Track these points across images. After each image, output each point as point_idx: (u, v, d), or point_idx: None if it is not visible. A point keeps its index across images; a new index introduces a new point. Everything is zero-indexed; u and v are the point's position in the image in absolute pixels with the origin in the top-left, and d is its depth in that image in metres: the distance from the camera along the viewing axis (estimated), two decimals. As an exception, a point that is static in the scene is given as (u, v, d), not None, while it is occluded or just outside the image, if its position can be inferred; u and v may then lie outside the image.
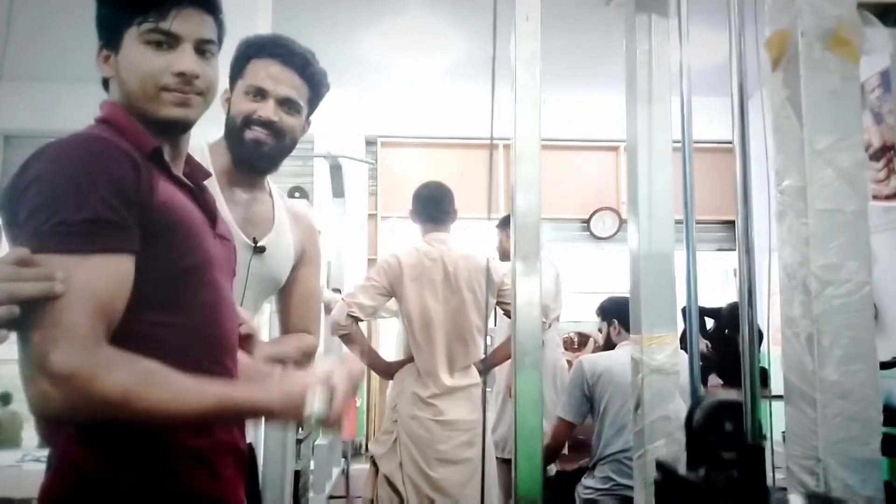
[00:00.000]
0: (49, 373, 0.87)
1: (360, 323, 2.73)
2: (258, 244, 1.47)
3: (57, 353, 0.87)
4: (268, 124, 1.45)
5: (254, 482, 1.62)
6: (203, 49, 1.09)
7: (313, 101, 1.53)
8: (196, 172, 1.16)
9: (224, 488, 1.08)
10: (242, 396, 0.99)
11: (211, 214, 1.13)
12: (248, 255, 1.45)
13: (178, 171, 1.12)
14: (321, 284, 1.65)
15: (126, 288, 0.95)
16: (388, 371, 2.85)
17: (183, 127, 1.10)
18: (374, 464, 2.75)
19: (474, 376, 2.74)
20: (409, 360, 2.75)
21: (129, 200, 0.95)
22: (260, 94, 1.46)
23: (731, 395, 1.22)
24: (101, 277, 0.91)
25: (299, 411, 0.98)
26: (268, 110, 1.45)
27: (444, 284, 2.71)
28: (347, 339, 2.74)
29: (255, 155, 1.47)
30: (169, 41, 1.05)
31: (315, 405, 0.97)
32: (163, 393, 0.92)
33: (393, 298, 2.77)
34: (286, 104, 1.47)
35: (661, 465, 1.28)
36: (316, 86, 1.52)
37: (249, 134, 1.46)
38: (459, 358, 2.71)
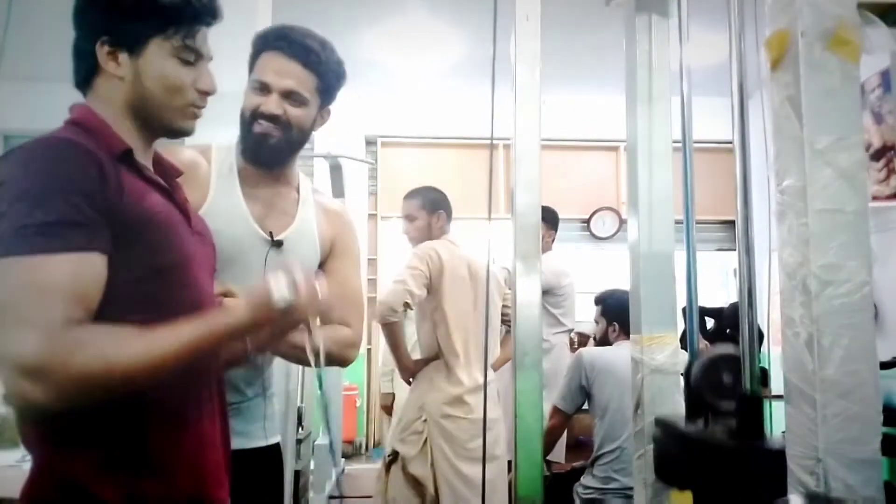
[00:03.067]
0: (22, 368, 0.86)
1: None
2: (275, 238, 1.47)
3: (25, 346, 0.87)
4: (272, 118, 1.45)
5: (277, 482, 1.60)
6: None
7: (324, 90, 1.51)
8: (167, 171, 1.17)
9: (206, 487, 1.08)
10: (214, 321, 0.99)
11: (185, 211, 1.14)
12: (266, 249, 1.45)
13: (150, 169, 1.13)
14: (360, 277, 1.66)
15: (98, 281, 0.94)
16: (413, 370, 2.82)
17: (187, 136, 1.14)
18: (387, 466, 2.73)
19: (493, 373, 2.76)
20: (432, 358, 2.74)
21: (95, 201, 0.95)
22: (264, 88, 1.45)
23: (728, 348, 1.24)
24: (68, 271, 0.91)
25: (268, 305, 0.99)
26: (271, 104, 1.44)
27: (469, 283, 2.74)
28: (392, 327, 2.71)
29: (261, 149, 1.47)
30: (194, 58, 1.10)
31: (281, 290, 0.99)
32: (138, 348, 0.92)
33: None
34: (290, 97, 1.45)
35: (660, 422, 1.28)
36: (324, 75, 1.48)
37: (257, 128, 1.45)
38: (487, 355, 2.73)
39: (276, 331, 1.09)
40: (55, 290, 0.90)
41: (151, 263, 1.01)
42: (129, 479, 0.99)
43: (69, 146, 0.98)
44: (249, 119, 1.46)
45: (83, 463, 0.97)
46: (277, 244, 1.46)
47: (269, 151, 1.47)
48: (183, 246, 1.08)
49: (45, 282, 0.89)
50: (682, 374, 1.31)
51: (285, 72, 1.45)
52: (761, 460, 1.02)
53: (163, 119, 1.10)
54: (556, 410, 2.89)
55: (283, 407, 1.61)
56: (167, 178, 1.15)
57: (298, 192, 1.57)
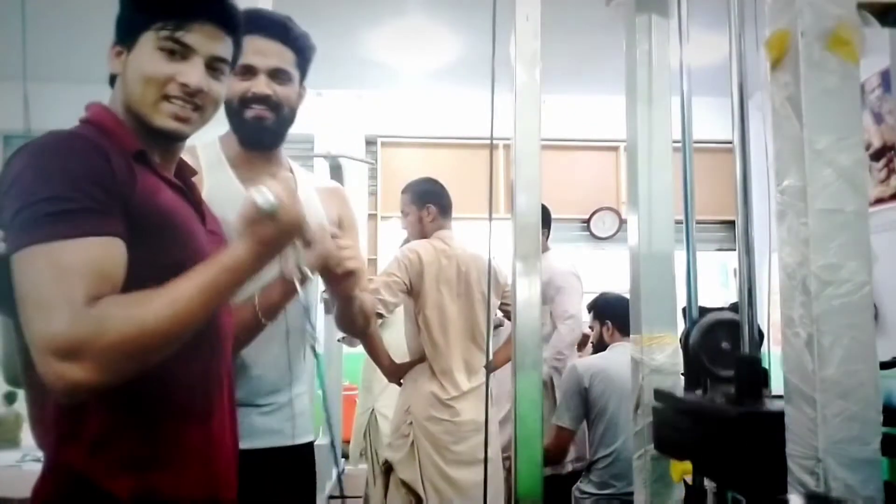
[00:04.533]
0: (56, 350, 0.87)
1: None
2: None
3: (56, 328, 0.87)
4: (264, 99, 1.46)
5: (310, 483, 1.63)
6: (214, 66, 1.10)
7: (302, 64, 1.53)
8: (182, 171, 1.17)
9: (216, 486, 1.09)
10: (218, 258, 1.00)
11: (200, 211, 1.15)
12: None
13: (169, 172, 1.13)
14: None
15: (119, 261, 0.95)
16: (397, 372, 2.80)
17: (175, 138, 1.11)
18: (385, 472, 2.71)
19: (482, 376, 2.72)
20: (418, 361, 2.73)
21: (108, 189, 0.96)
22: (250, 71, 1.45)
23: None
24: (90, 253, 0.92)
25: (258, 216, 1.00)
26: (261, 85, 1.45)
27: (456, 284, 2.69)
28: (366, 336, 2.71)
29: (258, 132, 1.48)
30: (182, 52, 1.06)
31: (262, 195, 1.01)
32: (160, 303, 0.93)
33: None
34: (277, 76, 1.47)
35: (659, 393, 1.28)
36: (301, 49, 1.51)
37: (249, 113, 1.46)
38: (473, 358, 2.70)
39: (274, 249, 1.08)
40: (76, 271, 0.90)
41: (167, 259, 1.02)
42: (142, 476, 0.99)
43: (82, 141, 0.99)
44: (239, 106, 1.47)
45: (96, 460, 0.97)
46: None
47: (265, 133, 1.49)
48: (197, 244, 1.08)
49: (65, 264, 0.90)
50: (681, 339, 1.31)
51: (268, 52, 1.46)
52: (759, 425, 1.02)
53: (143, 116, 1.07)
54: (561, 430, 2.83)
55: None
56: (183, 178, 1.16)
57: (292, 172, 1.59)
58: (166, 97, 1.06)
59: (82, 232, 0.92)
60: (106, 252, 0.94)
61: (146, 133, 1.09)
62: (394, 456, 2.66)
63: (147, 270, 0.99)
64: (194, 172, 1.20)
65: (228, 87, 1.45)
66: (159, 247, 1.02)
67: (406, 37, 4.40)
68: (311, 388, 1.70)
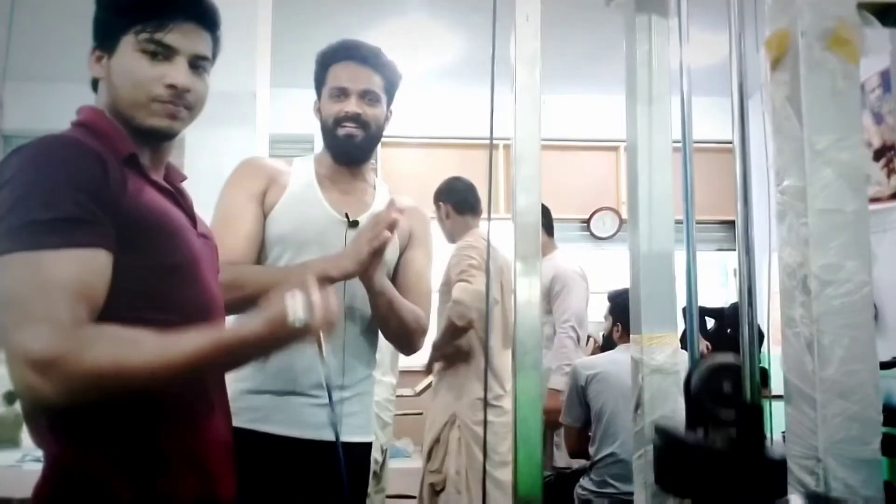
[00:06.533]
0: (32, 363, 0.87)
1: None
2: (351, 219, 1.61)
3: (36, 341, 0.87)
4: (354, 118, 1.62)
5: (364, 479, 1.67)
6: (197, 64, 1.11)
7: (389, 89, 1.69)
8: (173, 175, 1.18)
9: (216, 483, 1.09)
10: (228, 334, 1.00)
11: (191, 215, 1.15)
12: (343, 230, 1.59)
13: (159, 175, 1.13)
14: (431, 271, 1.79)
15: (103, 277, 0.95)
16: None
17: (166, 137, 1.12)
18: (433, 493, 2.70)
19: None
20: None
21: (100, 198, 0.96)
22: (342, 93, 1.63)
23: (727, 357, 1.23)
24: (74, 267, 0.92)
25: (284, 324, 0.98)
26: (352, 105, 1.62)
27: (497, 286, 2.69)
28: (462, 332, 2.67)
29: (349, 148, 1.65)
30: (165, 53, 1.07)
31: (296, 312, 0.99)
32: (151, 351, 0.92)
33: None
34: (366, 97, 1.63)
35: (660, 429, 1.28)
36: (388, 75, 1.68)
37: (341, 131, 1.63)
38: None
39: (286, 345, 1.08)
40: (62, 286, 0.90)
41: (159, 263, 1.02)
42: (144, 475, 0.99)
43: (75, 145, 0.99)
44: (333, 125, 1.64)
45: (98, 460, 0.97)
46: (354, 224, 1.60)
47: (354, 150, 1.66)
48: (189, 247, 1.09)
49: (51, 277, 0.90)
50: (683, 382, 1.30)
51: (359, 76, 1.64)
52: (761, 470, 1.02)
53: (133, 118, 1.08)
54: (568, 428, 2.92)
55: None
56: (173, 182, 1.16)
57: (374, 188, 1.73)
58: (155, 99, 1.07)
59: (69, 243, 0.92)
60: (91, 266, 0.94)
61: (135, 134, 1.09)
62: (438, 479, 2.64)
63: (143, 274, 0.99)
64: (184, 177, 1.21)
65: (324, 109, 1.65)
66: (153, 251, 1.02)
67: (406, 36, 4.40)
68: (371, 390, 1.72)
